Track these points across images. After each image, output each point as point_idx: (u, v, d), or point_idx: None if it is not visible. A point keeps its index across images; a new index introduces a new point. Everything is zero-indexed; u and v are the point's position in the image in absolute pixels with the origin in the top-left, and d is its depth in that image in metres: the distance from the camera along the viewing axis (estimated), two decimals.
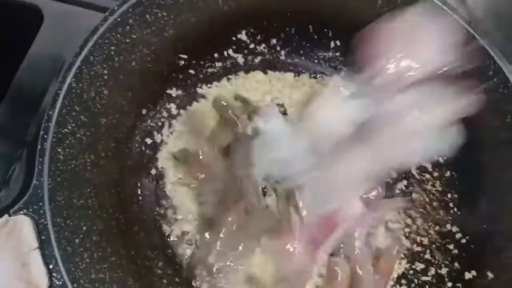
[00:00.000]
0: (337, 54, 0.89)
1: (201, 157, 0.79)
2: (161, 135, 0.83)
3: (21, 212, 0.57)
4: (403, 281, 0.78)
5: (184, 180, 0.80)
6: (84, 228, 0.64)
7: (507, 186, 0.72)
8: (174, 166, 0.81)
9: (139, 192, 0.80)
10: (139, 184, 0.80)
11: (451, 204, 0.80)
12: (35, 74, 0.86)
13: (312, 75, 0.90)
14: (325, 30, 0.86)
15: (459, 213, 0.79)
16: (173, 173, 0.81)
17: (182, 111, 0.85)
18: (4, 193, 0.82)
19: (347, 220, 0.73)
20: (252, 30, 0.85)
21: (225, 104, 0.83)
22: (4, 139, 0.85)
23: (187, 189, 0.80)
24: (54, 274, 0.55)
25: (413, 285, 0.78)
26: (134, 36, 0.72)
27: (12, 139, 0.85)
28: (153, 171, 0.82)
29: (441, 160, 0.83)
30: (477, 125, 0.72)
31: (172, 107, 0.85)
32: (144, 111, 0.81)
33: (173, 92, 0.84)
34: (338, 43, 0.88)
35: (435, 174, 0.83)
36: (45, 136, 0.61)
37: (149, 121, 0.82)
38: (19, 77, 0.86)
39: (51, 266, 0.56)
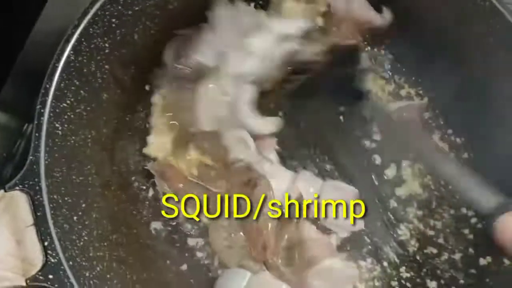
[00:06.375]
0: None
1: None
2: None
3: (17, 187, 0.56)
4: (414, 265, 0.75)
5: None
6: (84, 205, 0.63)
7: None
8: None
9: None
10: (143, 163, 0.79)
11: None
12: (40, 50, 0.83)
13: None
14: None
15: None
16: None
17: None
18: (9, 168, 0.82)
19: None
20: (261, 2, 0.82)
21: None
22: (10, 115, 0.84)
23: None
24: (49, 252, 0.54)
25: (424, 269, 0.75)
26: (136, 8, 0.69)
27: (18, 115, 0.84)
28: None
29: (458, 140, 0.79)
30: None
31: None
32: (147, 87, 0.79)
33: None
34: None
35: (452, 155, 0.79)
36: (42, 111, 0.59)
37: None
38: (24, 53, 0.85)
39: (46, 243, 0.54)
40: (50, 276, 0.53)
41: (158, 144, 0.78)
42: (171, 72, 0.76)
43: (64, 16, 0.84)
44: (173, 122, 0.78)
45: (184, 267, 0.75)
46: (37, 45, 0.85)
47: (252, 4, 0.81)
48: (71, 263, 0.55)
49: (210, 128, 0.74)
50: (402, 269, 0.75)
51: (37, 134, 0.58)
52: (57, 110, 0.61)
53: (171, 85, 0.77)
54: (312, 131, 0.80)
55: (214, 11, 0.74)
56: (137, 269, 0.68)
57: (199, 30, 0.76)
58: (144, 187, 0.78)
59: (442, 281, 0.74)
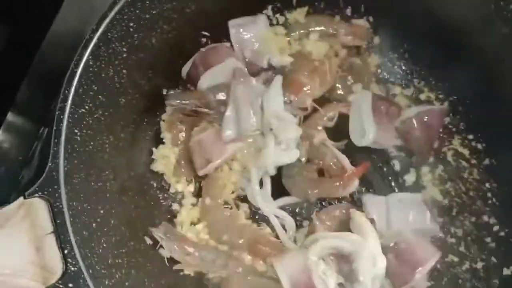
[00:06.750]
0: None
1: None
2: None
3: (36, 195, 0.55)
4: (435, 274, 0.74)
5: None
6: (102, 211, 0.63)
7: None
8: None
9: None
10: None
11: (489, 194, 0.75)
12: (57, 52, 0.84)
13: None
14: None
15: (497, 203, 0.74)
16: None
17: None
18: (26, 171, 0.82)
19: None
20: (278, 5, 0.81)
21: None
22: (26, 117, 0.84)
23: None
24: (69, 260, 0.54)
25: (445, 279, 0.73)
26: (153, 12, 0.69)
27: (34, 117, 0.84)
28: None
29: (479, 146, 0.77)
30: None
31: None
32: (165, 91, 0.78)
33: None
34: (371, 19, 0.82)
35: (473, 161, 0.77)
36: (61, 117, 0.59)
37: None
38: (41, 54, 0.84)
39: (66, 251, 0.54)
40: (70, 285, 0.53)
41: (163, 158, 0.77)
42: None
43: (80, 17, 0.85)
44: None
45: None
46: (53, 46, 0.85)
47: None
48: (91, 271, 0.55)
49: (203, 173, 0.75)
50: None
51: (56, 140, 0.58)
52: (76, 116, 0.60)
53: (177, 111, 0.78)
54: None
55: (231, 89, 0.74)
56: (155, 276, 0.67)
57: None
58: (161, 192, 0.77)
59: None
